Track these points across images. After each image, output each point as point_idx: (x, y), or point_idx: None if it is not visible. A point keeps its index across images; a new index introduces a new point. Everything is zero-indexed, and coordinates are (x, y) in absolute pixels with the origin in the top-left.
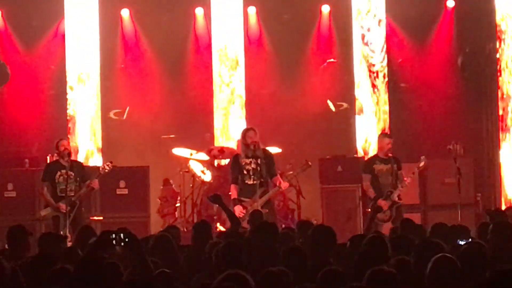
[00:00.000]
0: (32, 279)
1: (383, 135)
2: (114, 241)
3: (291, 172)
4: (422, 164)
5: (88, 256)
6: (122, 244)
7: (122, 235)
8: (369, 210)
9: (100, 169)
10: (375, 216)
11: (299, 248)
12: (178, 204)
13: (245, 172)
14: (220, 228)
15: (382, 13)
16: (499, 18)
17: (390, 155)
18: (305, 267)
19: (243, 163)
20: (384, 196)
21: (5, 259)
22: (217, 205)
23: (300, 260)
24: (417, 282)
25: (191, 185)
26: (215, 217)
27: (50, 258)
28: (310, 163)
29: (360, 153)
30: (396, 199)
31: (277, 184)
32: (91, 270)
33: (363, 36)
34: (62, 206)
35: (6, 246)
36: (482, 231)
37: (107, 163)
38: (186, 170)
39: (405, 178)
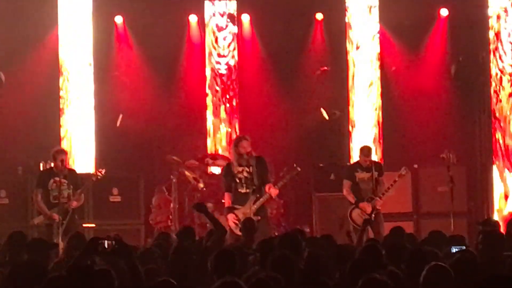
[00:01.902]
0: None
1: (362, 150)
2: (103, 248)
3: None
4: (403, 173)
5: (76, 263)
6: (112, 251)
7: (112, 242)
8: (349, 215)
9: (93, 175)
10: (366, 227)
11: (287, 255)
12: (171, 212)
13: (237, 180)
14: None
15: (375, 21)
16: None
17: (371, 161)
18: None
19: (236, 172)
20: (366, 200)
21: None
22: (216, 211)
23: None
24: None
25: (184, 193)
26: (208, 225)
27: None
28: (299, 168)
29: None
30: (376, 206)
31: (266, 190)
32: (80, 277)
33: (356, 45)
34: (55, 216)
35: None
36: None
37: (100, 170)
38: (180, 177)
39: (386, 188)
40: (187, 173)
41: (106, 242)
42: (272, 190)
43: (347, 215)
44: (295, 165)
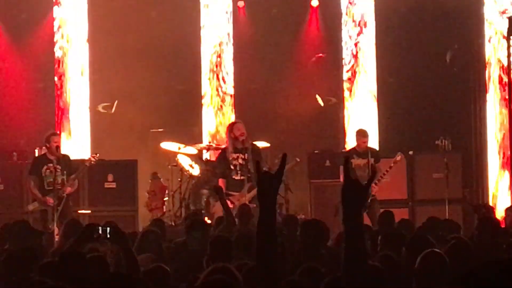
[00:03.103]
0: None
1: (359, 132)
2: (99, 235)
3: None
4: (398, 158)
5: (70, 249)
6: (108, 237)
7: (107, 228)
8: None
9: (87, 161)
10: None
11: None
12: (166, 198)
13: (232, 167)
14: (208, 222)
15: (371, 7)
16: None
17: (367, 148)
18: (285, 262)
19: (230, 158)
20: None
21: None
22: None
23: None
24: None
25: (179, 179)
26: (203, 211)
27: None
28: (298, 159)
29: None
30: (372, 192)
31: None
32: (74, 263)
33: (352, 31)
34: (50, 200)
35: None
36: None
37: (93, 155)
38: (174, 164)
39: (381, 175)
40: (180, 161)
41: (101, 228)
42: None
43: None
44: (294, 158)
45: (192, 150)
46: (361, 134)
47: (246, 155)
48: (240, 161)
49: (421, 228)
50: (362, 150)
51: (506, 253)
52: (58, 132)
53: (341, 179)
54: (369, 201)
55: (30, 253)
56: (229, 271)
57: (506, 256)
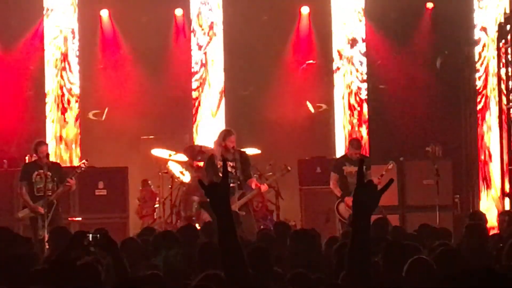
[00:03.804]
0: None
1: (351, 142)
2: (89, 242)
3: (270, 173)
4: (390, 166)
5: (60, 257)
6: (98, 244)
7: (97, 235)
8: (335, 208)
9: (77, 168)
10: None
11: (262, 248)
12: (157, 205)
13: (220, 174)
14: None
15: (361, 15)
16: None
17: (358, 156)
18: (270, 268)
19: (219, 166)
20: (351, 194)
21: None
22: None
23: (264, 261)
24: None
25: (170, 186)
26: (193, 218)
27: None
28: (289, 168)
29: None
30: None
31: (252, 187)
32: (64, 271)
33: (342, 38)
34: (40, 208)
35: None
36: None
37: (83, 162)
38: (165, 171)
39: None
40: (170, 168)
41: (91, 235)
42: (262, 187)
43: (333, 209)
44: (285, 165)
45: (183, 157)
46: (354, 146)
47: (235, 162)
48: (229, 168)
49: (412, 235)
50: (354, 158)
51: (495, 260)
52: (44, 142)
53: (331, 185)
54: None
55: (18, 261)
56: (220, 279)
57: (491, 264)
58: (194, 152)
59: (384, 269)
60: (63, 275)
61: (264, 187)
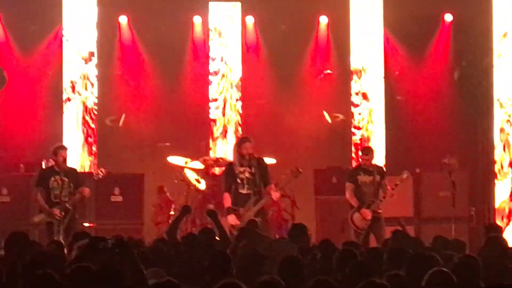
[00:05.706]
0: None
1: (362, 150)
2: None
3: (283, 176)
4: (404, 176)
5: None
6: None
7: (114, 241)
8: (350, 218)
9: (94, 175)
10: (369, 231)
11: (295, 257)
12: (172, 212)
13: (239, 181)
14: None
15: (380, 26)
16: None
17: (373, 165)
18: (302, 276)
19: (237, 172)
20: (366, 205)
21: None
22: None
23: (296, 269)
24: None
25: (185, 194)
26: (209, 226)
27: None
28: (300, 170)
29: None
30: (377, 209)
31: (271, 194)
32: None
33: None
34: (56, 211)
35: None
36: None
37: (101, 169)
38: (181, 178)
39: (388, 189)
40: (186, 175)
41: (109, 241)
42: (274, 193)
43: (348, 219)
44: (296, 167)
45: (199, 164)
46: (364, 152)
47: (253, 168)
48: (247, 174)
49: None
50: (368, 167)
51: None
52: (64, 146)
53: (347, 195)
54: (373, 218)
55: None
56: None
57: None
58: (211, 161)
59: (407, 282)
60: (84, 280)
61: (276, 195)
